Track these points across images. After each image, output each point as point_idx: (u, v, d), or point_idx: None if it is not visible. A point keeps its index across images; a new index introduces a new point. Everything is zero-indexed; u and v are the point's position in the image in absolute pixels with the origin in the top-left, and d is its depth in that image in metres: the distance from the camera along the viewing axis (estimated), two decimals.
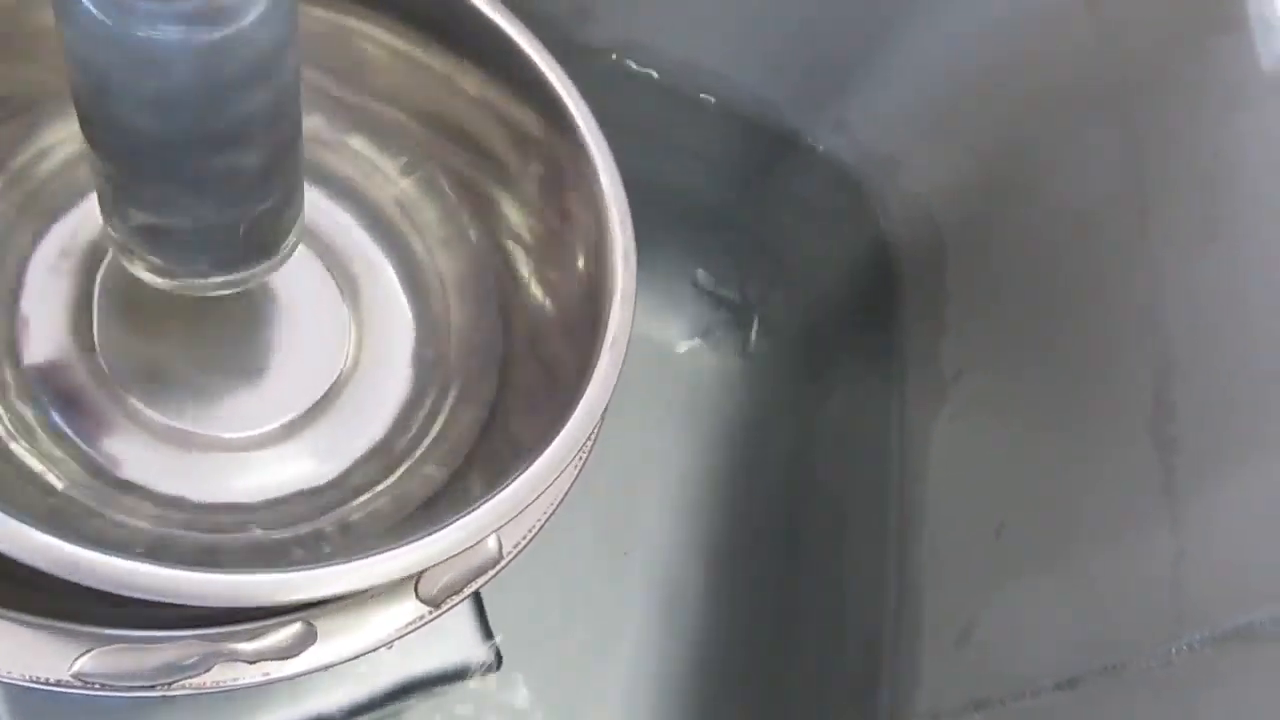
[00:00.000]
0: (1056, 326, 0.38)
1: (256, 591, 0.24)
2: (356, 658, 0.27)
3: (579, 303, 0.32)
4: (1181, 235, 0.34)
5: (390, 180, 0.35)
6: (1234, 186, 0.32)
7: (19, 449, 0.28)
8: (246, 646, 0.26)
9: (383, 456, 0.32)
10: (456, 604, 0.28)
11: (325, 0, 0.32)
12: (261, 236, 0.27)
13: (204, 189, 0.25)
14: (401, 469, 0.32)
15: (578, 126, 0.31)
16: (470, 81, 0.33)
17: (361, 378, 0.33)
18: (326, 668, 0.27)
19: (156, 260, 0.27)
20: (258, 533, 0.30)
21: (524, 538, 0.30)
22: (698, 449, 0.49)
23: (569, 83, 0.32)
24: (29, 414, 0.29)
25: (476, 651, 0.37)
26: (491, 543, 0.29)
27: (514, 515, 0.26)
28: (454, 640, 0.37)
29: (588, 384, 0.28)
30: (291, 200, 0.27)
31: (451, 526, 0.26)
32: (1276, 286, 0.30)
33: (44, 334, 0.30)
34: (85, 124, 0.23)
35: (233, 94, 0.22)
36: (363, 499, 0.32)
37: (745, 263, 0.54)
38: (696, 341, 0.54)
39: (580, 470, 0.31)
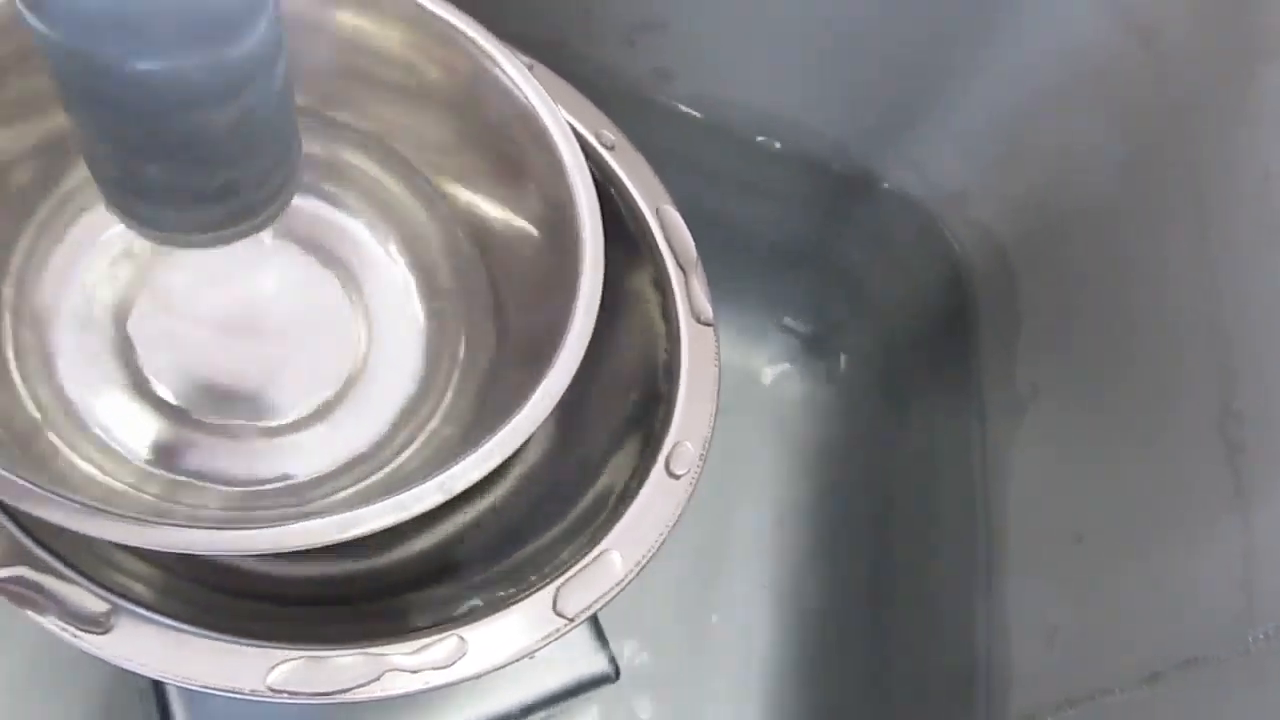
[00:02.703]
0: (1124, 342, 0.41)
1: (325, 531, 0.27)
2: (502, 667, 0.31)
3: (549, 256, 0.34)
4: (1239, 248, 0.36)
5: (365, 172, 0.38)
6: (1274, 206, 0.35)
7: (76, 457, 0.32)
8: (409, 659, 0.29)
9: (410, 420, 0.35)
10: (586, 617, 0.32)
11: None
12: (244, 200, 0.27)
13: (173, 159, 0.25)
14: (426, 429, 0.35)
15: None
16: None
17: (378, 355, 0.36)
18: (477, 676, 0.30)
19: (140, 215, 0.27)
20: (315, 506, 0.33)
21: (644, 556, 0.33)
22: (790, 470, 0.52)
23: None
24: (82, 423, 0.33)
25: (596, 665, 0.41)
26: (617, 561, 0.32)
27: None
28: (575, 656, 0.41)
29: (566, 338, 0.31)
30: (278, 164, 0.27)
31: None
32: None
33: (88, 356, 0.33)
34: (59, 89, 0.23)
35: (206, 109, 0.23)
36: (399, 460, 0.35)
37: (826, 296, 0.57)
38: (784, 369, 0.57)
39: (692, 493, 0.34)
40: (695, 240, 0.38)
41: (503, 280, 0.37)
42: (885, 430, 0.53)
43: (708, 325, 0.37)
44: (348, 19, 0.34)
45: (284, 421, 0.35)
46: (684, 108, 0.52)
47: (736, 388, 0.56)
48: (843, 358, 0.56)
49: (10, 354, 0.32)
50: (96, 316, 0.34)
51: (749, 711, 0.47)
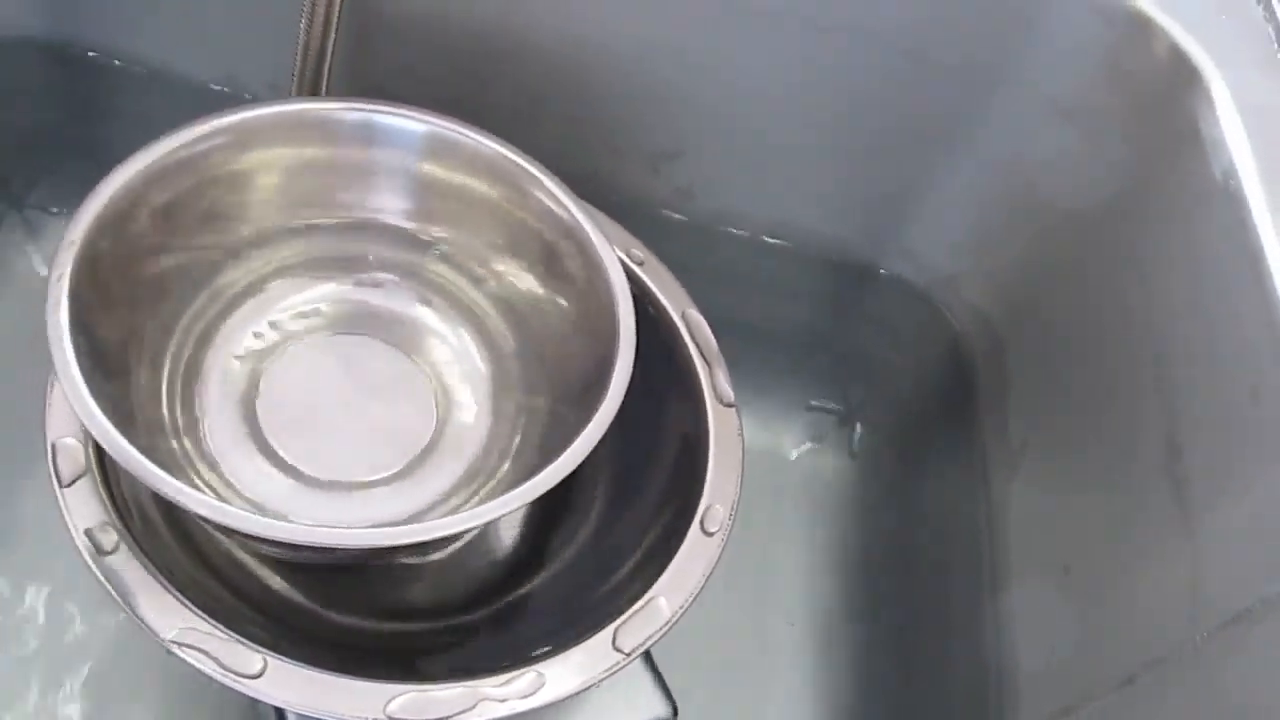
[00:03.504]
0: (1092, 395, 0.47)
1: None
2: (574, 694, 0.37)
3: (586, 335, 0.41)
4: (1176, 312, 0.43)
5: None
6: (1203, 268, 0.41)
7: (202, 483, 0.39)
8: (498, 690, 0.36)
9: (481, 470, 0.42)
10: (640, 652, 0.38)
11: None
12: None
13: None
14: (496, 476, 0.42)
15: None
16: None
17: (452, 420, 0.43)
18: (555, 702, 0.37)
19: None
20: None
21: (686, 600, 0.39)
22: (819, 534, 0.59)
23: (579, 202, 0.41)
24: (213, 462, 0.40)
25: (658, 707, 0.47)
26: (664, 605, 0.39)
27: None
28: (639, 700, 0.47)
29: (605, 395, 0.38)
30: None
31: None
32: (1245, 342, 0.39)
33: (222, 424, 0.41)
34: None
35: None
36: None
37: (843, 376, 0.64)
38: (808, 447, 0.64)
39: (724, 547, 0.41)
40: (720, 336, 0.45)
41: (550, 357, 0.44)
42: (902, 490, 0.59)
43: (730, 406, 0.44)
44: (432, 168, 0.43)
45: (376, 478, 0.42)
46: (704, 221, 0.59)
47: (770, 466, 0.63)
48: (859, 430, 0.62)
49: (164, 402, 0.40)
50: (234, 383, 0.42)
51: None
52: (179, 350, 0.41)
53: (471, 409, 0.44)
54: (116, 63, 0.57)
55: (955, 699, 0.51)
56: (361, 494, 0.41)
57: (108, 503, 0.36)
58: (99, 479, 0.37)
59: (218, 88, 0.56)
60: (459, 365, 0.45)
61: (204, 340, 0.42)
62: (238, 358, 0.43)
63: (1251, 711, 0.34)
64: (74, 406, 0.34)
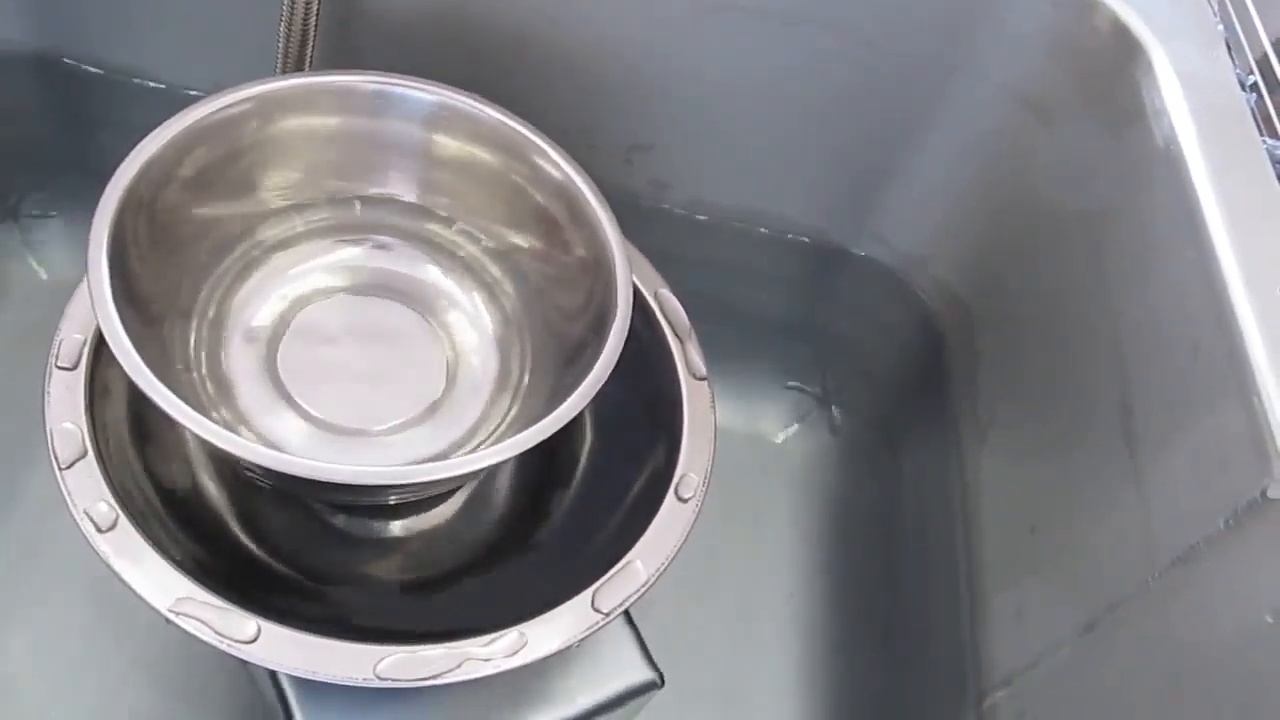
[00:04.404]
0: (1050, 367, 0.49)
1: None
2: (555, 654, 0.39)
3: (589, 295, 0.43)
4: (1125, 280, 0.45)
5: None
6: (1149, 235, 0.43)
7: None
8: (483, 650, 0.38)
9: (491, 415, 0.44)
10: (619, 612, 0.40)
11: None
12: None
13: None
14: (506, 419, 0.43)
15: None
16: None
17: (463, 372, 0.45)
18: (538, 660, 0.38)
19: None
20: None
21: (662, 564, 0.41)
22: (805, 508, 0.61)
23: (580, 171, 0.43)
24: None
25: (643, 674, 0.48)
26: (641, 568, 0.41)
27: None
28: (625, 668, 0.48)
29: (604, 345, 0.39)
30: None
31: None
32: (1186, 301, 0.40)
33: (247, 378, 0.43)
34: None
35: None
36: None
37: (822, 358, 0.66)
38: (793, 429, 0.65)
39: (698, 513, 0.43)
40: (698, 322, 0.46)
41: (551, 310, 0.46)
42: (880, 464, 0.61)
43: (703, 380, 0.46)
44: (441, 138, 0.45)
45: (394, 424, 0.43)
46: (680, 210, 0.61)
47: (752, 449, 0.65)
48: (837, 409, 0.64)
49: (191, 348, 0.42)
50: (257, 340, 0.44)
51: (783, 711, 0.54)
52: (204, 307, 0.43)
53: (480, 361, 0.46)
54: (101, 73, 0.58)
55: (932, 656, 0.52)
56: (381, 441, 0.43)
57: (105, 483, 0.38)
58: (97, 461, 0.39)
59: (201, 95, 0.58)
60: (468, 321, 0.47)
61: (229, 298, 0.44)
62: (258, 316, 0.45)
63: (1198, 644, 0.36)
64: (110, 342, 0.35)
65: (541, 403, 0.42)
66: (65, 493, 0.38)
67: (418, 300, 0.47)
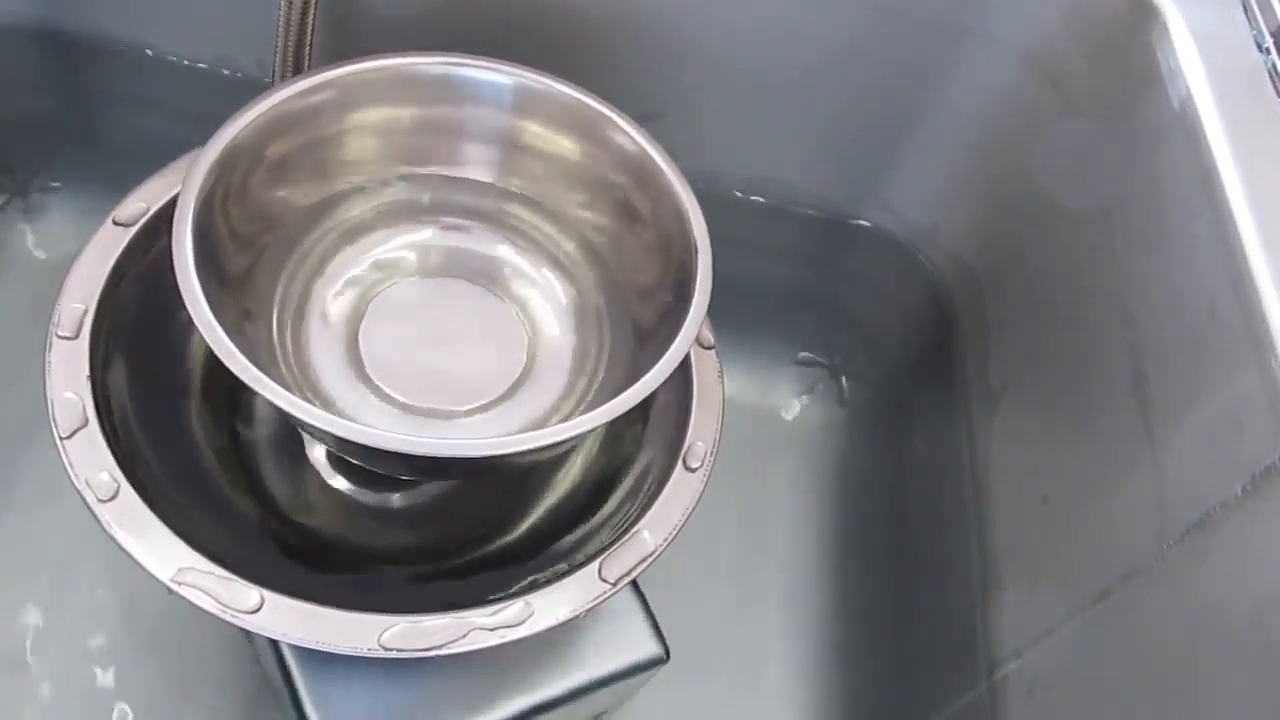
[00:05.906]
0: (1063, 334, 0.48)
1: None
2: (562, 624, 0.38)
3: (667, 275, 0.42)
4: (1138, 245, 0.44)
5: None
6: (1164, 197, 0.42)
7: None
8: (488, 620, 0.37)
9: (571, 394, 0.43)
10: (626, 582, 0.39)
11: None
12: None
13: None
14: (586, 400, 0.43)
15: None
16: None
17: (542, 352, 0.44)
18: (544, 631, 0.38)
19: None
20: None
21: (670, 533, 0.41)
22: (815, 479, 0.60)
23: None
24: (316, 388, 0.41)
25: (650, 648, 0.48)
26: (648, 538, 0.40)
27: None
28: (634, 641, 0.48)
29: (679, 335, 0.38)
30: None
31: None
32: (1202, 263, 0.40)
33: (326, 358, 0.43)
34: None
35: None
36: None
37: (830, 329, 0.65)
38: (803, 400, 0.65)
39: (707, 482, 0.42)
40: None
41: (627, 288, 0.45)
42: (890, 434, 0.60)
43: (710, 349, 0.45)
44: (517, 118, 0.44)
45: (474, 405, 0.43)
46: (689, 181, 0.60)
47: (762, 421, 0.64)
48: (846, 380, 0.63)
49: (274, 330, 0.42)
50: (336, 323, 0.44)
51: (791, 686, 0.54)
52: (287, 290, 0.43)
53: (557, 340, 0.45)
54: (105, 46, 0.58)
55: (942, 627, 0.52)
56: (461, 421, 0.42)
57: (107, 452, 0.38)
58: (99, 430, 0.38)
59: (206, 67, 0.58)
60: (544, 300, 0.46)
61: (309, 281, 0.44)
62: (338, 296, 0.44)
63: (1213, 613, 0.35)
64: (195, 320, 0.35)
65: (619, 383, 0.41)
66: (66, 462, 0.38)
67: (493, 281, 0.46)
